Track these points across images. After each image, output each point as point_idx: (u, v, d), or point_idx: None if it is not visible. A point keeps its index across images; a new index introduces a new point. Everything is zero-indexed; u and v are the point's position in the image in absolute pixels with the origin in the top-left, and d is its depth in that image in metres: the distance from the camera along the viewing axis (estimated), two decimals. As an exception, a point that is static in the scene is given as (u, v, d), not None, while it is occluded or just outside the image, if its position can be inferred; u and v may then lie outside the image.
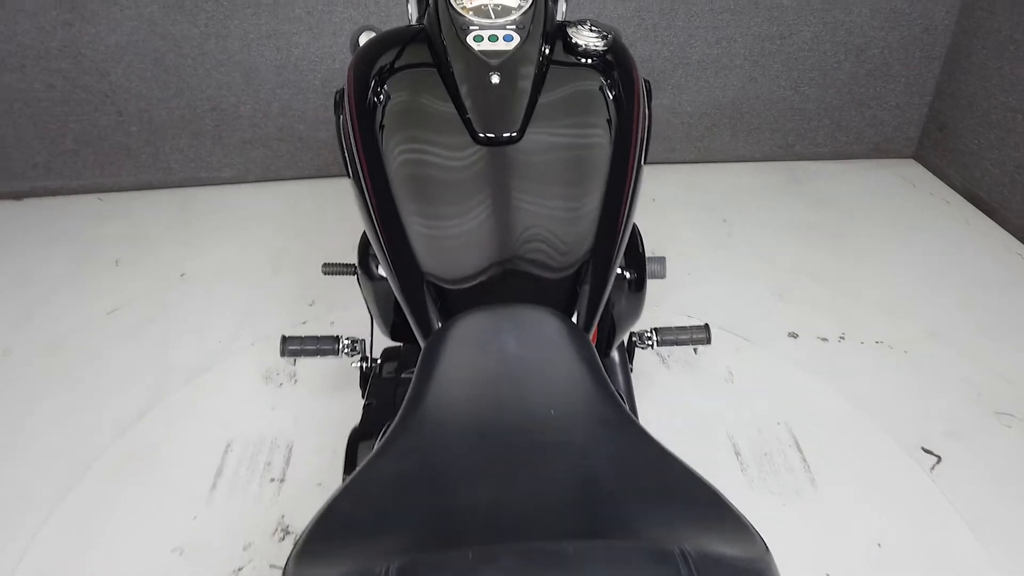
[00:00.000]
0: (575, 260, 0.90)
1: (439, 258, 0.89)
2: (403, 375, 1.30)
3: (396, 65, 1.05)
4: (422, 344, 0.84)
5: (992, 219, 2.65)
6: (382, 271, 1.07)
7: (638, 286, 1.10)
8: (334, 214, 2.69)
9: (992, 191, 2.65)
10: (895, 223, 2.66)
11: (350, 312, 2.20)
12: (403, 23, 2.80)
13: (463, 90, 0.98)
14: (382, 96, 1.00)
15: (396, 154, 0.95)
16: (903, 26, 2.72)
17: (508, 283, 0.87)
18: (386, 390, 1.28)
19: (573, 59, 1.06)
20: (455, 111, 0.97)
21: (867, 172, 2.99)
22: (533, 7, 1.07)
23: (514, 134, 0.94)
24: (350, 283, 2.31)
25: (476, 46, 1.02)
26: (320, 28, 2.54)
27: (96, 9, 2.42)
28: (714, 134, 2.90)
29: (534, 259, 0.88)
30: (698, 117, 2.86)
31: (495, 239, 0.89)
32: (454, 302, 0.86)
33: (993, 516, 1.61)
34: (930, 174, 2.97)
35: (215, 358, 2.02)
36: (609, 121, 1.00)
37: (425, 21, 1.13)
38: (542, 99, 0.99)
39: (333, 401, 1.88)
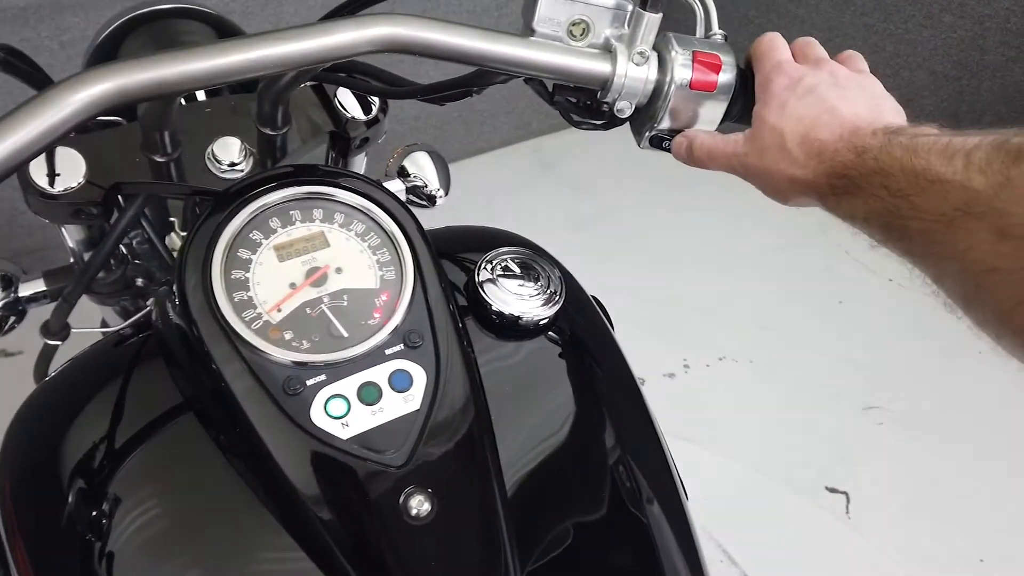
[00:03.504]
0: None
1: None
2: None
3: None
4: None
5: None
6: None
7: None
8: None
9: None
10: (656, 191, 2.47)
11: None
12: None
13: (346, 554, 0.50)
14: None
15: None
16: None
17: None
18: None
19: (505, 344, 0.63)
20: None
21: (601, 136, 2.76)
22: (416, 256, 0.57)
23: None
24: None
25: (340, 430, 0.51)
26: None
27: None
28: (447, 135, 2.45)
29: None
30: (423, 120, 2.38)
31: None
32: None
33: (919, 538, 1.57)
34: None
35: None
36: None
37: (158, 320, 0.59)
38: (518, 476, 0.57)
39: None
